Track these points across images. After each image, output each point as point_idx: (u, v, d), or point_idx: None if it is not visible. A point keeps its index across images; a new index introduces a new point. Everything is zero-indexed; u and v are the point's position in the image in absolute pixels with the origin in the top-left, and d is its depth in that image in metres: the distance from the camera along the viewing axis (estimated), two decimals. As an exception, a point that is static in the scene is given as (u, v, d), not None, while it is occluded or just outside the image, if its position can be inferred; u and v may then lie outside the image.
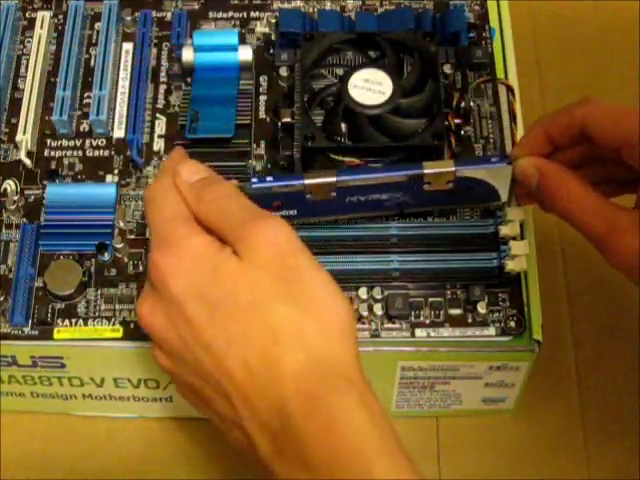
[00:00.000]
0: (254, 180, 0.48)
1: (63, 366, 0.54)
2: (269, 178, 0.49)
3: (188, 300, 0.41)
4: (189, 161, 0.46)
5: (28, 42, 0.61)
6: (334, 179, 0.48)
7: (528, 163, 0.48)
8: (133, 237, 0.55)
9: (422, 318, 0.52)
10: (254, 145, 0.57)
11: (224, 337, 0.41)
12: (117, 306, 0.53)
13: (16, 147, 0.57)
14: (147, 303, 0.44)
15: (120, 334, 0.52)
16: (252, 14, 0.62)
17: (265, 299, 0.41)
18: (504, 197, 0.51)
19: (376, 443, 0.39)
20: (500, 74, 0.59)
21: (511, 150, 0.51)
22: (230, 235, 0.42)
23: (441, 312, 0.52)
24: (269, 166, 0.56)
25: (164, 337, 0.43)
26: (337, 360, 0.40)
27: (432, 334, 0.52)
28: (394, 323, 0.52)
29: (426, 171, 0.49)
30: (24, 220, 0.55)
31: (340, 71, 0.56)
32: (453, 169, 0.49)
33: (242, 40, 0.60)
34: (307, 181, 0.49)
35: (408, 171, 0.49)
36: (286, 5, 0.63)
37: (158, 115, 0.59)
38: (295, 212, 0.50)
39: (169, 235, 0.43)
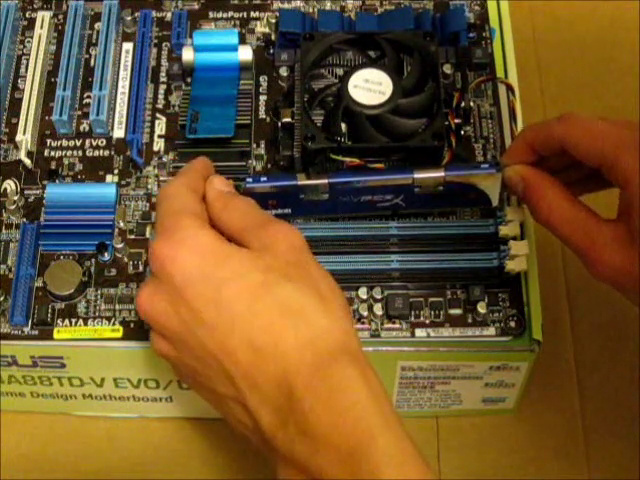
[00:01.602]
0: (249, 180, 0.50)
1: (63, 366, 0.54)
2: (263, 178, 0.50)
3: (190, 284, 0.43)
4: (220, 176, 0.49)
5: (28, 42, 0.61)
6: (326, 181, 0.50)
7: (514, 172, 0.49)
8: (133, 237, 0.55)
9: (422, 318, 0.53)
10: (254, 145, 0.57)
11: (229, 316, 0.42)
12: (117, 306, 0.53)
13: (16, 147, 0.57)
14: (146, 291, 0.44)
15: (120, 334, 0.52)
16: (252, 14, 0.62)
17: (274, 278, 0.42)
18: (495, 202, 0.51)
19: (377, 415, 0.40)
20: (500, 74, 0.59)
21: (500, 157, 0.52)
22: (250, 233, 0.45)
23: (441, 312, 0.52)
24: (269, 166, 0.56)
25: (165, 323, 0.44)
26: (339, 336, 0.42)
27: (432, 334, 0.52)
28: (394, 323, 0.52)
29: (416, 175, 0.50)
30: (24, 220, 0.55)
31: (340, 71, 0.56)
32: (443, 174, 0.50)
33: (242, 40, 0.60)
34: (300, 182, 0.50)
35: (398, 175, 0.50)
36: (286, 5, 0.63)
37: (158, 115, 0.59)
38: (289, 211, 0.52)
39: (173, 225, 0.44)
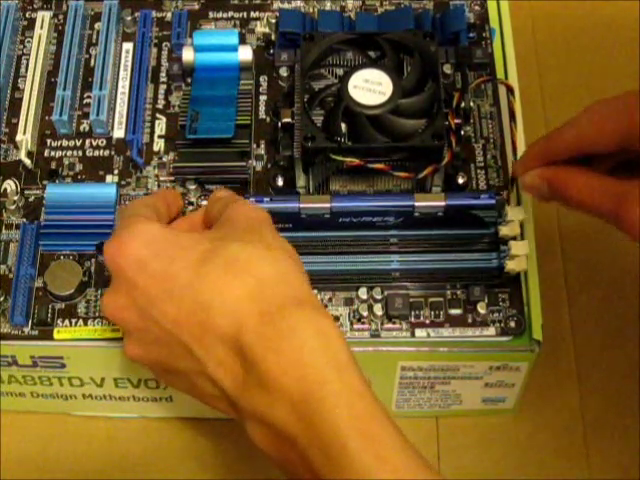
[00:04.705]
0: (251, 200, 0.51)
1: (63, 366, 0.54)
2: (266, 199, 0.52)
3: (142, 269, 0.43)
4: (225, 189, 0.54)
5: (28, 42, 0.61)
6: (328, 205, 0.51)
7: (532, 177, 0.48)
8: (133, 237, 0.55)
9: (422, 318, 0.53)
10: (254, 145, 0.57)
11: (178, 287, 0.43)
12: (117, 306, 0.53)
13: (16, 147, 0.57)
14: (107, 293, 0.46)
15: (120, 334, 0.52)
16: (252, 14, 0.62)
17: (222, 243, 0.43)
18: (492, 228, 0.52)
19: (325, 358, 0.40)
20: (500, 74, 0.59)
21: (512, 165, 0.52)
22: (217, 214, 0.47)
23: (441, 312, 0.52)
24: (269, 166, 0.56)
25: (126, 318, 0.45)
26: (287, 284, 0.42)
27: (432, 334, 0.52)
28: (394, 323, 0.52)
29: (417, 204, 0.51)
30: (24, 220, 0.55)
31: (340, 71, 0.56)
32: (443, 203, 0.51)
33: (242, 40, 0.60)
34: (302, 205, 0.51)
35: (400, 202, 0.52)
36: (286, 5, 0.63)
37: (158, 115, 0.59)
38: (290, 225, 0.52)
39: (121, 226, 0.46)
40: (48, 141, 0.58)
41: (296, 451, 0.40)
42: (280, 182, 0.55)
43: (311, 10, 0.62)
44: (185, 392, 0.46)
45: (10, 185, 0.56)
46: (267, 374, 0.40)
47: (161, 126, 0.58)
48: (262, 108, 0.58)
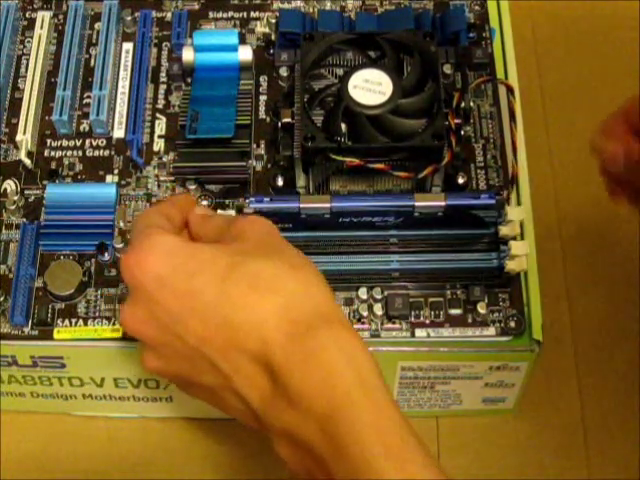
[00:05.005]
0: (251, 200, 0.51)
1: (63, 366, 0.54)
2: (266, 199, 0.51)
3: (161, 284, 0.43)
4: (202, 205, 0.54)
5: (28, 42, 0.61)
6: (328, 205, 0.51)
7: (614, 147, 0.47)
8: (133, 237, 0.55)
9: (422, 318, 0.53)
10: (254, 145, 0.57)
11: (201, 303, 0.42)
12: (117, 306, 0.53)
13: (16, 147, 0.57)
14: (126, 306, 0.45)
15: (120, 334, 0.52)
16: (252, 14, 0.62)
17: (242, 258, 0.43)
18: (492, 228, 0.52)
19: (352, 378, 0.40)
20: (500, 74, 0.59)
21: (593, 137, 0.51)
22: (222, 234, 0.46)
23: (441, 312, 0.53)
24: (269, 166, 0.56)
25: (146, 332, 0.44)
26: (313, 301, 0.42)
27: (432, 334, 0.52)
28: (394, 323, 0.52)
29: (417, 204, 0.51)
30: (24, 220, 0.55)
31: (340, 71, 0.56)
32: (443, 203, 0.51)
33: (242, 40, 0.60)
34: (302, 205, 0.51)
35: (400, 202, 0.52)
36: (286, 5, 0.63)
37: (158, 115, 0.59)
38: (290, 225, 0.52)
39: (138, 238, 0.45)
40: (48, 141, 0.58)
41: (320, 465, 0.40)
42: (280, 182, 0.55)
43: (311, 10, 0.62)
44: (207, 403, 0.46)
45: (10, 185, 0.56)
46: (295, 391, 0.40)
47: (161, 126, 0.58)
48: (262, 108, 0.58)
